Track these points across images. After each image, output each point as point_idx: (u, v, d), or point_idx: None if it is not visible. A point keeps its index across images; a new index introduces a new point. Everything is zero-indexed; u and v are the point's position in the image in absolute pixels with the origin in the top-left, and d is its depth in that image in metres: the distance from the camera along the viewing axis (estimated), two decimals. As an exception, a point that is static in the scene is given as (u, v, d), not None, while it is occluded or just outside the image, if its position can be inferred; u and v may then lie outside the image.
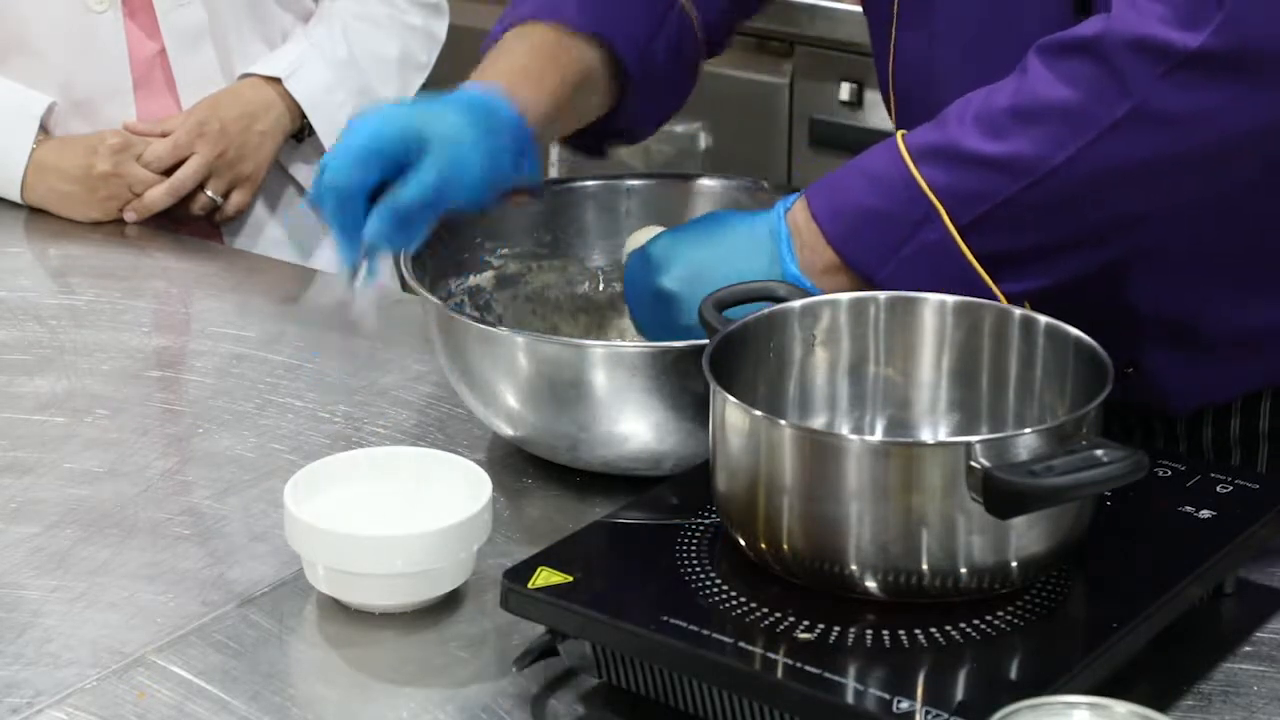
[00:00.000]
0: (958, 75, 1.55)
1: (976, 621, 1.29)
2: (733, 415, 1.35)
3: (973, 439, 1.28)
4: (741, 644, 1.27)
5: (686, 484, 1.46)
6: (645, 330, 1.62)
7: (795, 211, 1.54)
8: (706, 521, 1.41)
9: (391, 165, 1.56)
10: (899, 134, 1.51)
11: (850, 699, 1.22)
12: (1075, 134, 1.43)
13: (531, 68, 1.66)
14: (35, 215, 2.28)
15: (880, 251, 1.50)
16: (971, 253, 1.47)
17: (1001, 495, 1.26)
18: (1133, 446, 1.27)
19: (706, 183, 1.81)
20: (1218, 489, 1.44)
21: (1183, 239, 1.55)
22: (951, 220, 1.47)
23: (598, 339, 1.74)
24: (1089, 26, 1.44)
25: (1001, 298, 1.49)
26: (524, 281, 1.80)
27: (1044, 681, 1.22)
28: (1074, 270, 1.50)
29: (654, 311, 1.59)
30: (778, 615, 1.30)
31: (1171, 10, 1.40)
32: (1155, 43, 1.40)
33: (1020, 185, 1.45)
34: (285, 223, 2.06)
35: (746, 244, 1.56)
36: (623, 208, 1.77)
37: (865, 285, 1.51)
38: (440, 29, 2.45)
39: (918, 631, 1.28)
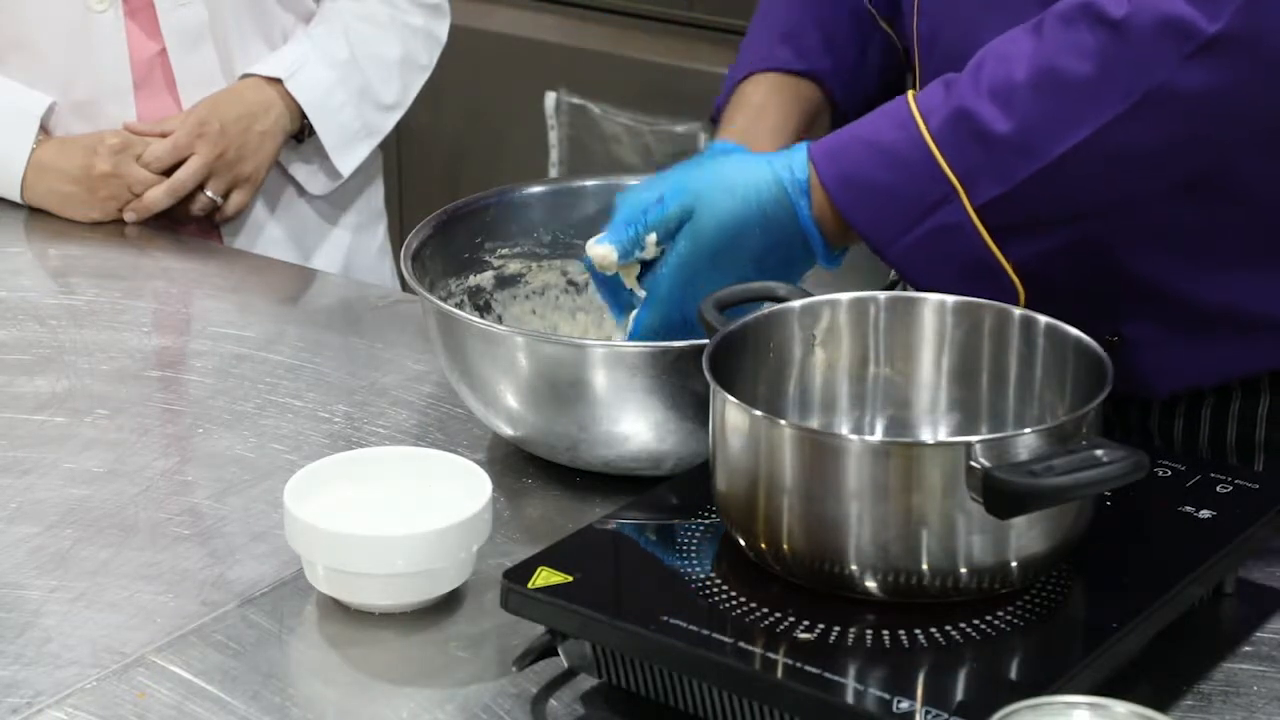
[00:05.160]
0: (984, 26, 1.54)
1: (976, 621, 1.29)
2: (733, 415, 1.35)
3: (973, 439, 1.28)
4: (741, 644, 1.27)
5: (686, 484, 1.46)
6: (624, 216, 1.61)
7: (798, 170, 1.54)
8: (706, 521, 1.41)
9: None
10: (910, 98, 1.51)
11: (850, 699, 1.22)
12: (1092, 114, 1.44)
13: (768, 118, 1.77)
14: (35, 215, 2.28)
15: (893, 228, 1.50)
16: (985, 228, 1.48)
17: (1001, 495, 1.26)
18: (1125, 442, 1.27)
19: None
20: (1218, 489, 1.44)
21: (1175, 213, 1.55)
22: (969, 200, 1.47)
23: (598, 339, 1.74)
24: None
25: (1008, 268, 1.49)
26: (524, 281, 1.80)
27: (1044, 681, 1.22)
28: (1075, 237, 1.51)
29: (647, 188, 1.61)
30: (778, 615, 1.30)
31: None
32: (1180, 23, 1.41)
33: (1037, 165, 1.45)
34: None
35: (757, 165, 1.56)
36: (623, 208, 1.77)
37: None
38: (441, 30, 2.44)
39: (918, 631, 1.28)
